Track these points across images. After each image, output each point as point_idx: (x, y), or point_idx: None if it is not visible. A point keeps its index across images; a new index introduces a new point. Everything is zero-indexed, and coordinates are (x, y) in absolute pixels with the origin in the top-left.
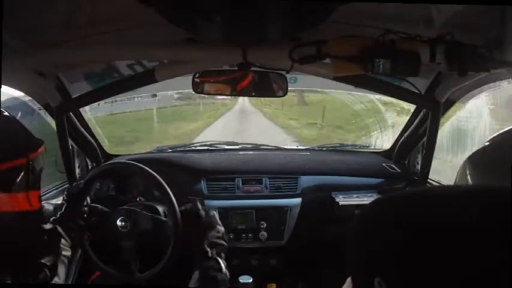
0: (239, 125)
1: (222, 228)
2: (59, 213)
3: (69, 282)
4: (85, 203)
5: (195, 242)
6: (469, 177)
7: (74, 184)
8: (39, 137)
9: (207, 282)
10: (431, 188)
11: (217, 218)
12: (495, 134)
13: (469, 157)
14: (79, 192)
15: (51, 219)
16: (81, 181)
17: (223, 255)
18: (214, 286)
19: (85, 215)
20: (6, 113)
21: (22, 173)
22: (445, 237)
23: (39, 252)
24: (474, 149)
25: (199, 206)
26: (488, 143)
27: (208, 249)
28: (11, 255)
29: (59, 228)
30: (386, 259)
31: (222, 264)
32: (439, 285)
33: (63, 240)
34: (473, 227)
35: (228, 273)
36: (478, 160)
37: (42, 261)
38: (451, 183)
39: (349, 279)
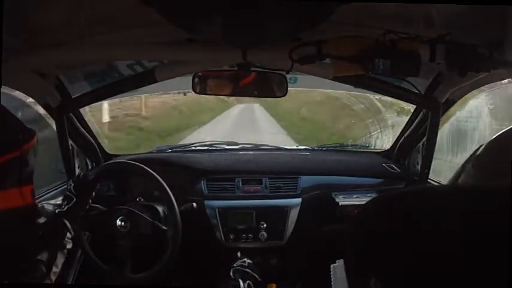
0: None
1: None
2: (66, 206)
3: (69, 282)
4: (91, 196)
5: None
6: (472, 174)
7: (80, 175)
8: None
9: None
10: (427, 187)
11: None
12: (499, 133)
13: (472, 155)
14: (87, 186)
15: (57, 211)
16: (85, 172)
17: None
18: None
19: (87, 208)
20: None
21: (16, 167)
22: (442, 236)
23: (35, 249)
24: (474, 149)
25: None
26: (492, 142)
27: None
28: (6, 254)
29: (66, 222)
30: (382, 259)
31: None
32: (436, 285)
33: (67, 234)
34: (470, 226)
35: None
36: (482, 158)
37: (38, 257)
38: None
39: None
